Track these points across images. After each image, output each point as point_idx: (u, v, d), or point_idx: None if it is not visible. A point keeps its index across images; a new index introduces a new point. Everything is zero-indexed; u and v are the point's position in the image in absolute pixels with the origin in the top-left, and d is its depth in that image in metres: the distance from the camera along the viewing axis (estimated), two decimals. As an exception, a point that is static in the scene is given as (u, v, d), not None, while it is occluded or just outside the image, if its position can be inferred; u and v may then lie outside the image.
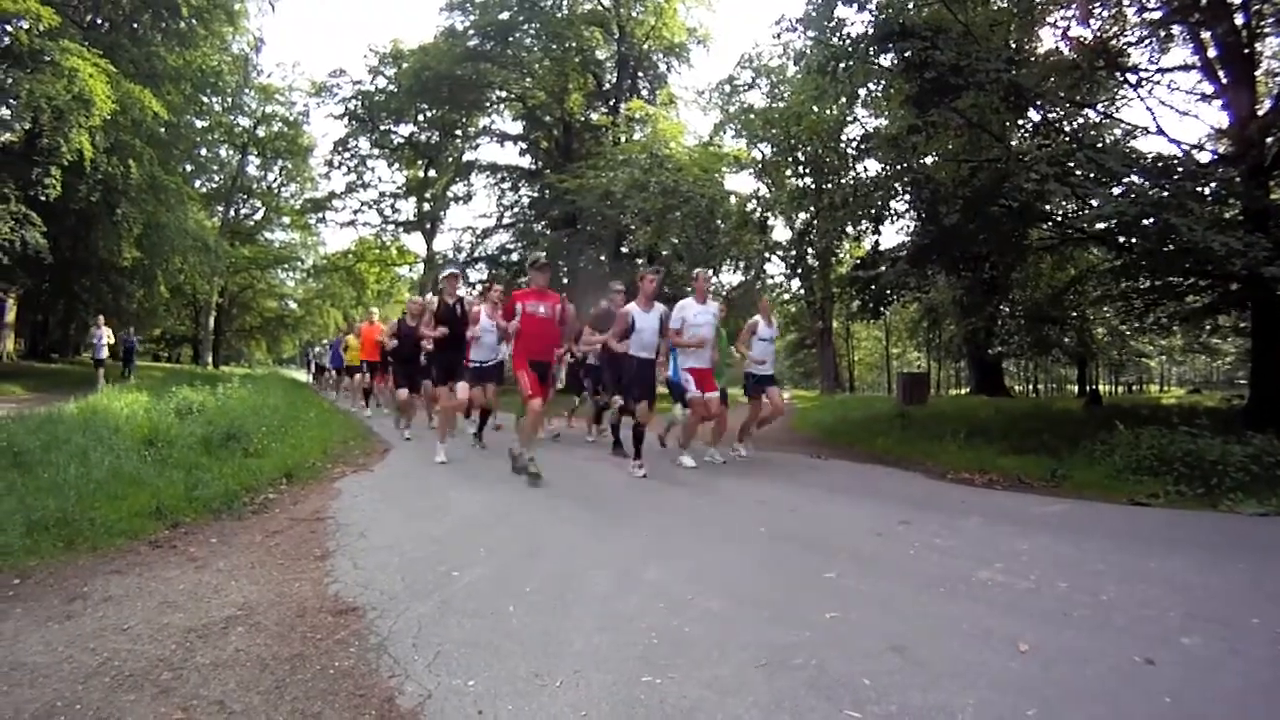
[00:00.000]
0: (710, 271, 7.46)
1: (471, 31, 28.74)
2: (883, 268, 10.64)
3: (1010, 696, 2.28)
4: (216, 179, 34.55)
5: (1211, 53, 9.50)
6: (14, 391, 15.30)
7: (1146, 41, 10.33)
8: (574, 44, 27.71)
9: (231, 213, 35.60)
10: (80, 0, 20.65)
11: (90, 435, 5.90)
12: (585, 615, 2.89)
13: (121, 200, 19.40)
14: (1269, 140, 8.63)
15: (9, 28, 16.78)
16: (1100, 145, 9.66)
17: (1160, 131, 17.13)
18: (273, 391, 11.51)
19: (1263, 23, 9.00)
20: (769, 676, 2.38)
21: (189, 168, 29.79)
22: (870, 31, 10.77)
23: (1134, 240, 8.73)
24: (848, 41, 11.34)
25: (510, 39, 28.22)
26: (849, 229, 20.03)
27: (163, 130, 21.30)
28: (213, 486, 4.71)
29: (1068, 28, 10.71)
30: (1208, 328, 13.20)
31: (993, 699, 2.27)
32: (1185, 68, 10.17)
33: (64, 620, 2.75)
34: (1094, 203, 9.15)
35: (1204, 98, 10.08)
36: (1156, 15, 9.66)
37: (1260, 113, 9.05)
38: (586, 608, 2.98)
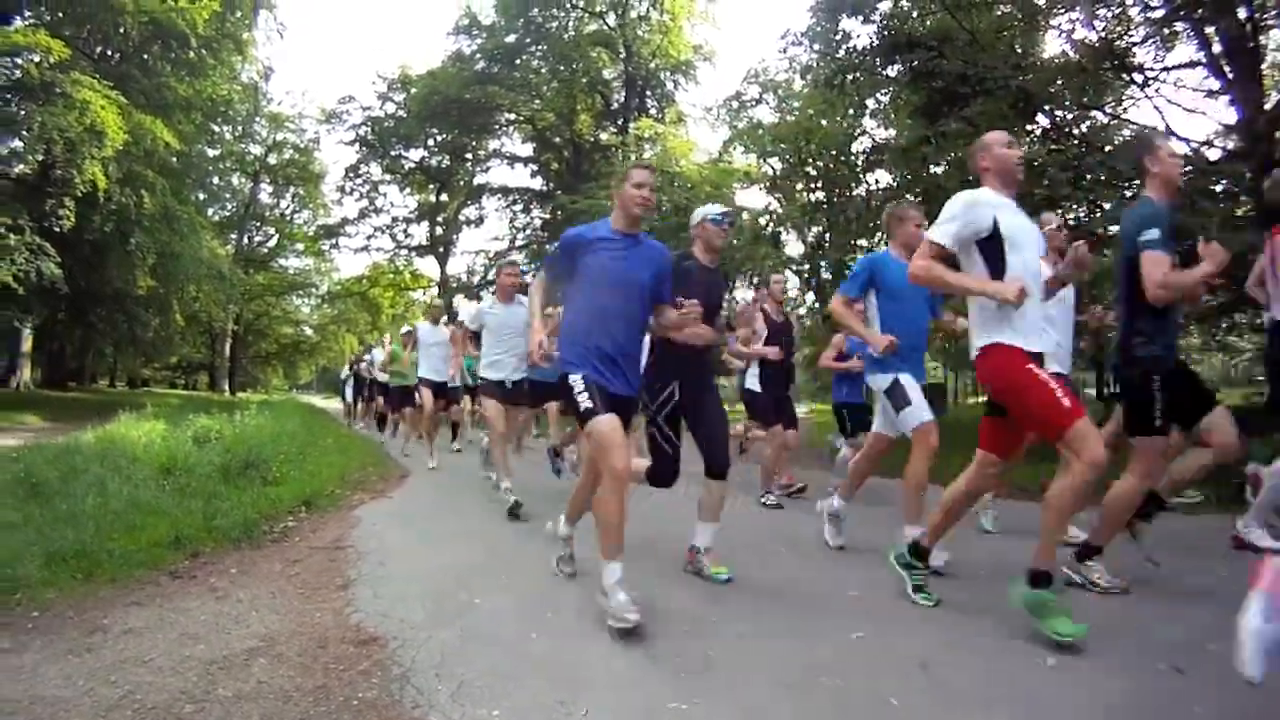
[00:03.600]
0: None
1: (479, 55, 29.06)
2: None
3: (1039, 712, 2.24)
4: (229, 207, 35.04)
5: (1216, 49, 9.46)
6: (31, 420, 15.44)
7: (1151, 40, 10.31)
8: (581, 65, 27.91)
9: (245, 240, 36.06)
10: (90, 33, 20.96)
11: (108, 465, 5.92)
12: (609, 641, 2.85)
13: (135, 230, 19.57)
14: (1278, 134, 8.57)
15: (20, 61, 17.08)
16: (1110, 147, 9.61)
17: (1169, 130, 17.03)
18: (290, 418, 11.52)
19: (1266, 16, 8.97)
20: (796, 698, 2.34)
21: (201, 196, 30.14)
22: (876, 43, 10.83)
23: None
24: (854, 54, 11.38)
25: (517, 62, 28.48)
26: (862, 241, 20.04)
27: (175, 160, 21.61)
28: (232, 515, 4.68)
29: (1072, 30, 10.72)
30: (1224, 326, 13.00)
31: (1022, 716, 2.23)
32: (1191, 65, 10.15)
33: (84, 653, 2.74)
34: (1105, 206, 9.12)
35: (1211, 94, 10.04)
36: (1160, 13, 9.63)
37: (1267, 107, 9.00)
38: (611, 634, 2.95)
